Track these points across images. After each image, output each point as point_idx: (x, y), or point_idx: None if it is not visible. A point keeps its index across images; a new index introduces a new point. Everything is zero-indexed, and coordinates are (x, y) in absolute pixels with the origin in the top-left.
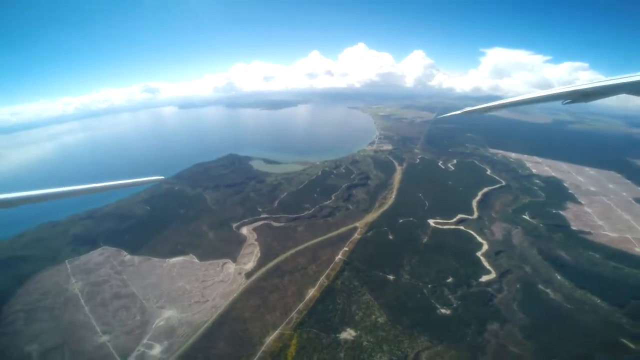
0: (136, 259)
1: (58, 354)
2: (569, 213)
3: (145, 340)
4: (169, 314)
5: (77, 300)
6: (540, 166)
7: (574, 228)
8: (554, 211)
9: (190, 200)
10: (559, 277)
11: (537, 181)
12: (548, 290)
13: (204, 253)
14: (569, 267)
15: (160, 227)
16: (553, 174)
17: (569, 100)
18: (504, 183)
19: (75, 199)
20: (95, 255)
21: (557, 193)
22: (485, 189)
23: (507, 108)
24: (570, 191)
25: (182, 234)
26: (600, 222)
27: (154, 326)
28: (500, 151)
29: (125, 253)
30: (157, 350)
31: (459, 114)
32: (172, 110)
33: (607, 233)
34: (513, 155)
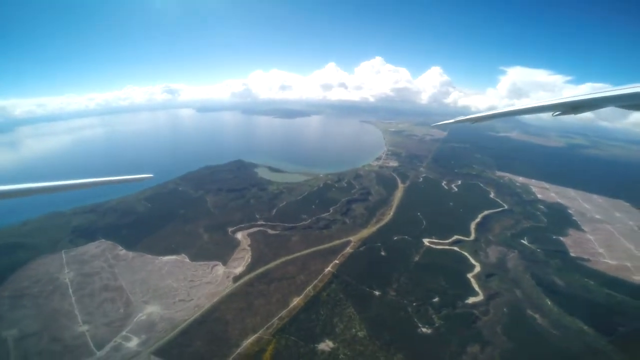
0: (130, 254)
1: (34, 340)
2: (569, 239)
3: (124, 333)
4: (151, 309)
5: (66, 289)
6: (547, 192)
7: (572, 254)
8: (554, 237)
9: (191, 201)
10: (549, 303)
11: (541, 207)
12: (536, 316)
13: (196, 254)
14: (561, 294)
15: (159, 226)
16: (559, 200)
17: (558, 112)
18: (506, 207)
19: (83, 192)
20: (92, 248)
21: (560, 219)
22: (486, 212)
23: (498, 118)
24: (574, 218)
25: (178, 233)
26: (600, 250)
27: (135, 320)
28: (508, 174)
29: (120, 248)
30: (133, 342)
31: (452, 122)
32: (190, 112)
33: (606, 260)
34: (520, 179)
